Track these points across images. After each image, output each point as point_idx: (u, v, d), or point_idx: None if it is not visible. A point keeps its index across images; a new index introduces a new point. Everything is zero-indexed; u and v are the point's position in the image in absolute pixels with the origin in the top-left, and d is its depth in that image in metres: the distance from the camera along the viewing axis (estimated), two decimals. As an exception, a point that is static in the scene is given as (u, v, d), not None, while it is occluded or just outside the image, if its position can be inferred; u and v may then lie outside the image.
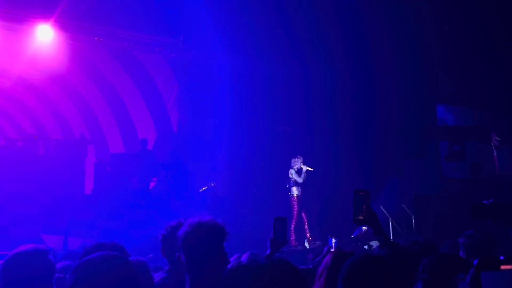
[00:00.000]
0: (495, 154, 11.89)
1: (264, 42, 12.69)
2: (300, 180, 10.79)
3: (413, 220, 10.66)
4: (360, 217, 2.96)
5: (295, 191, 10.83)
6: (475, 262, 1.29)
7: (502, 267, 1.27)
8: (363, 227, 10.03)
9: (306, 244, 10.80)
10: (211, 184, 12.06)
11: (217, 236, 2.53)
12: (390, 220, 10.75)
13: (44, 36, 11.73)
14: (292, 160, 11.02)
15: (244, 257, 3.56)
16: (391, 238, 10.57)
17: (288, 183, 10.93)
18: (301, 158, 11.01)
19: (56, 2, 11.22)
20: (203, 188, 11.97)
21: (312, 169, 10.91)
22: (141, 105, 13.85)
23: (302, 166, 10.89)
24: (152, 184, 12.48)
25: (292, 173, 10.87)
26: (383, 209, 10.80)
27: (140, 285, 1.89)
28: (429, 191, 11.48)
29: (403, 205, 10.96)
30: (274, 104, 12.90)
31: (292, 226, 10.61)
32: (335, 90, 12.84)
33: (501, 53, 11.76)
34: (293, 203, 10.79)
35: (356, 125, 12.73)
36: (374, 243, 9.52)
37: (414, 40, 11.91)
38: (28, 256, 2.71)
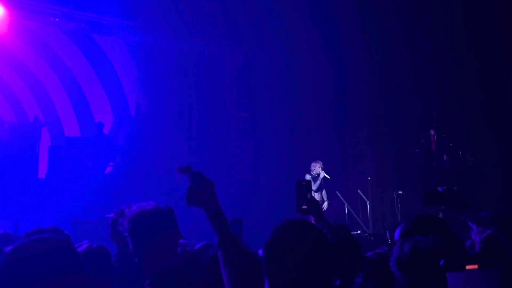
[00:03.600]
0: (433, 141, 12.10)
1: (223, 26, 12.60)
2: (313, 187, 10.23)
3: (368, 206, 10.87)
4: (304, 207, 3.08)
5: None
6: (441, 262, 1.29)
7: (468, 267, 1.28)
8: None
9: None
10: None
11: (161, 222, 2.52)
12: (346, 205, 10.94)
13: (-5, 14, 11.31)
14: (311, 164, 10.64)
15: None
16: (347, 223, 10.79)
17: None
18: (320, 163, 10.60)
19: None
20: None
21: (328, 177, 10.53)
22: (98, 87, 13.56)
23: (320, 172, 10.51)
24: (108, 169, 12.27)
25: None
26: (339, 195, 10.97)
27: (83, 272, 1.82)
28: (384, 178, 11.69)
29: (358, 190, 11.15)
30: (233, 88, 12.85)
31: None
32: (295, 74, 12.89)
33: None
34: None
35: (315, 110, 12.82)
36: None
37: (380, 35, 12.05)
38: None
